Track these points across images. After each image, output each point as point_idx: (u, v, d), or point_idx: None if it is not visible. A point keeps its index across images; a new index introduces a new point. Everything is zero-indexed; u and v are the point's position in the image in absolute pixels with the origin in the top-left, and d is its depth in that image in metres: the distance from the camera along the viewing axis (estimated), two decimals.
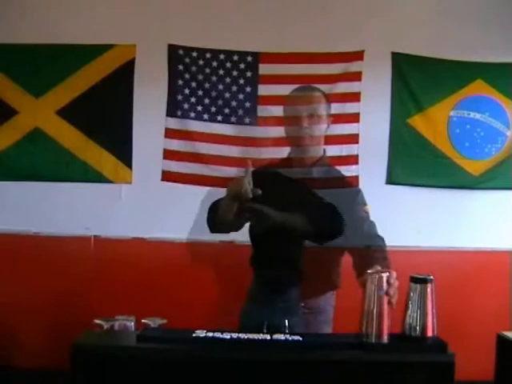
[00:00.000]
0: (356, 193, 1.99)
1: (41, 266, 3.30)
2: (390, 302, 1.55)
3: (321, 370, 1.51)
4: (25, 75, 3.40)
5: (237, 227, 1.99)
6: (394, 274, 1.60)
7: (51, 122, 3.41)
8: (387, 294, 1.54)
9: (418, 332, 1.58)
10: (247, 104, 3.46)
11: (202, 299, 3.20)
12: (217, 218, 1.89)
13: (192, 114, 3.46)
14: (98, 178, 3.43)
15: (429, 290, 1.59)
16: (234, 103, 3.47)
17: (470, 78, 3.50)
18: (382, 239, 1.89)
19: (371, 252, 1.81)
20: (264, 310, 1.96)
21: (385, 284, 1.55)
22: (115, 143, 3.45)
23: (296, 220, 1.78)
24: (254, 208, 1.67)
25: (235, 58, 3.46)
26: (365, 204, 1.97)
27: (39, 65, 3.40)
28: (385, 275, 1.57)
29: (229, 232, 2.04)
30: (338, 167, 3.43)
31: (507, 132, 3.54)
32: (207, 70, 3.46)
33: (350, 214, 1.83)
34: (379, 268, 1.64)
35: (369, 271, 1.59)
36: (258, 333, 1.60)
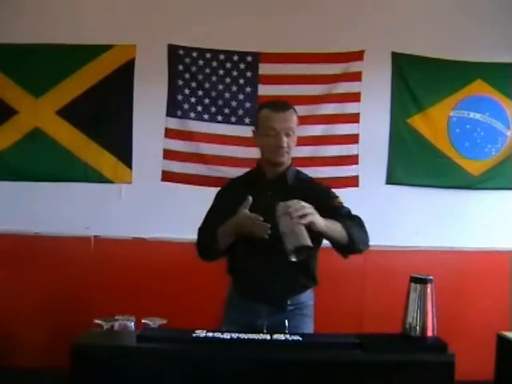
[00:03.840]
0: (327, 189, 2.12)
1: (41, 266, 3.30)
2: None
3: (320, 369, 1.51)
4: (25, 75, 3.40)
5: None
6: (302, 203, 1.75)
7: (51, 122, 3.41)
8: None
9: (418, 332, 1.57)
10: (247, 104, 3.47)
11: (202, 299, 3.20)
12: (215, 246, 2.05)
13: (192, 114, 3.46)
14: (98, 178, 3.43)
15: (429, 290, 1.59)
16: (233, 103, 3.47)
17: (470, 78, 3.51)
18: (358, 217, 2.00)
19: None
20: (250, 311, 2.02)
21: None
22: (115, 143, 3.45)
23: (336, 228, 1.87)
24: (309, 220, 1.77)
25: (235, 58, 3.47)
26: (337, 197, 2.08)
27: (39, 65, 3.41)
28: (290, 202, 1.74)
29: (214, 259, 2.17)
30: (338, 167, 3.49)
31: (507, 132, 3.54)
32: (207, 70, 3.46)
33: (325, 207, 1.91)
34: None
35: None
36: (252, 332, 1.62)
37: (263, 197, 1.99)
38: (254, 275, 2.05)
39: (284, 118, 2.03)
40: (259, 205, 1.94)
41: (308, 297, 2.12)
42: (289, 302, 2.04)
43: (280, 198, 1.84)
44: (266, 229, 1.86)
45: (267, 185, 2.09)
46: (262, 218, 1.88)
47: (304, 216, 1.73)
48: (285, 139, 2.02)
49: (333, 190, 2.12)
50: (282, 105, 2.09)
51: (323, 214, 1.83)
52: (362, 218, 2.00)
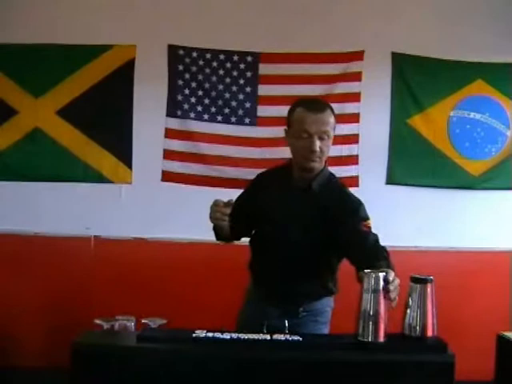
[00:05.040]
0: (357, 207, 1.92)
1: (41, 266, 3.30)
2: (389, 300, 1.53)
3: (320, 369, 1.51)
4: (25, 75, 3.40)
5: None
6: (392, 273, 1.57)
7: (51, 122, 3.41)
8: (387, 291, 1.52)
9: (418, 332, 1.57)
10: (247, 104, 3.46)
11: (202, 299, 3.20)
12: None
13: (192, 114, 3.46)
14: (98, 178, 3.43)
15: (429, 290, 1.58)
16: (233, 103, 3.47)
17: (470, 78, 3.51)
18: (386, 249, 1.85)
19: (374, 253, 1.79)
20: (262, 312, 1.97)
21: (381, 283, 1.53)
22: (115, 143, 3.45)
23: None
24: None
25: (235, 58, 3.47)
26: (367, 218, 1.90)
27: (39, 65, 3.41)
28: (381, 274, 1.55)
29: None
30: (337, 167, 3.48)
31: (507, 132, 3.54)
32: (207, 70, 3.46)
33: (351, 228, 1.80)
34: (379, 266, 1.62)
35: (365, 270, 1.57)
36: (257, 332, 1.60)
37: (287, 200, 1.92)
38: (267, 279, 2.01)
39: (319, 120, 1.85)
40: (282, 207, 1.89)
41: (324, 303, 2.05)
42: (301, 309, 1.98)
43: (304, 206, 1.78)
44: (216, 215, 1.77)
45: (293, 189, 1.96)
46: (226, 201, 1.78)
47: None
48: (318, 143, 1.84)
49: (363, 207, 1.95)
50: (318, 105, 1.91)
51: (345, 235, 1.73)
52: None
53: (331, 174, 2.00)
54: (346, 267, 1.90)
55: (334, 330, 2.04)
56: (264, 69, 3.46)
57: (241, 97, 3.47)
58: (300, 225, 1.92)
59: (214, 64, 3.46)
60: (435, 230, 3.46)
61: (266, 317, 1.93)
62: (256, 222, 2.06)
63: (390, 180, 3.51)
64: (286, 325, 1.90)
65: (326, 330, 2.06)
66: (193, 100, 3.46)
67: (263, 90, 3.45)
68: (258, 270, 2.07)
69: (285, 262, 1.92)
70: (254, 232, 2.11)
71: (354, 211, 1.89)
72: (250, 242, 2.12)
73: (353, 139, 3.47)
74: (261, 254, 2.05)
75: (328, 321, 2.07)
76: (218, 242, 2.10)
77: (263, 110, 3.44)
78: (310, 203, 1.84)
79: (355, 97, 3.47)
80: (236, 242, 2.19)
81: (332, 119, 1.89)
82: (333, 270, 2.03)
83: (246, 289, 2.15)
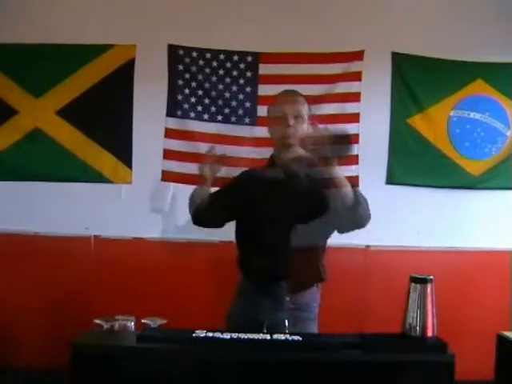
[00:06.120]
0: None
1: (41, 266, 3.30)
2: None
3: (321, 369, 1.52)
4: (25, 75, 3.40)
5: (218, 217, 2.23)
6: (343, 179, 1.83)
7: (51, 122, 3.41)
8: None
9: (418, 332, 1.58)
10: (247, 104, 3.46)
11: (202, 299, 3.20)
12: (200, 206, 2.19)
13: (192, 114, 3.46)
14: (98, 177, 3.43)
15: (429, 289, 1.59)
16: (234, 103, 3.47)
17: (470, 78, 3.50)
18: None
19: None
20: (254, 306, 2.03)
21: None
22: (115, 143, 3.45)
23: (347, 187, 1.90)
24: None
25: (235, 58, 3.46)
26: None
27: (39, 65, 3.41)
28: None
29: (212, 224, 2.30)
30: (337, 167, 3.48)
31: (507, 132, 3.54)
32: (207, 70, 3.46)
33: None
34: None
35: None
36: (249, 326, 1.62)
37: (270, 190, 2.04)
38: (256, 270, 2.08)
39: (292, 101, 2.11)
40: (264, 192, 2.03)
41: (312, 298, 2.11)
42: (288, 299, 2.03)
43: (287, 192, 1.90)
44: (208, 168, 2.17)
45: (276, 177, 2.12)
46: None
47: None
48: (292, 120, 2.07)
49: None
50: (291, 91, 2.19)
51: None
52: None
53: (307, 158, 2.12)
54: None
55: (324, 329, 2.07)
56: (264, 69, 3.46)
57: (241, 97, 3.47)
58: (285, 212, 2.03)
59: (214, 64, 3.46)
60: (435, 230, 3.46)
61: (256, 311, 1.99)
62: (240, 214, 2.19)
63: (390, 180, 3.51)
64: (286, 324, 1.90)
65: (315, 326, 2.11)
66: (193, 100, 3.46)
67: (263, 89, 3.45)
68: (246, 261, 2.15)
69: (273, 248, 2.00)
70: (238, 225, 2.23)
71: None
72: (237, 236, 2.22)
73: (353, 139, 3.47)
74: (248, 245, 2.14)
75: (316, 317, 2.12)
76: (196, 225, 2.27)
77: (263, 110, 3.42)
78: (292, 188, 1.97)
79: (355, 97, 3.47)
80: (235, 242, 2.20)
81: (306, 106, 2.14)
82: (319, 254, 2.13)
83: (224, 298, 2.22)
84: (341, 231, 2.04)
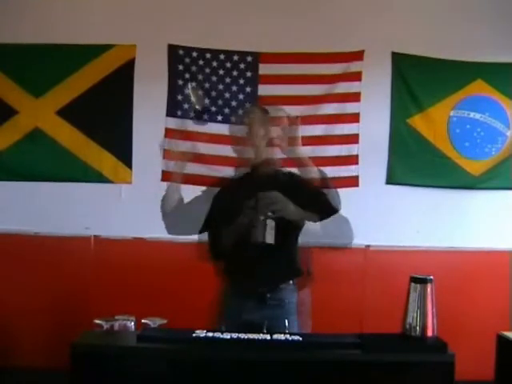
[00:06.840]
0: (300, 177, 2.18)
1: (41, 266, 3.30)
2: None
3: (321, 369, 1.52)
4: (25, 75, 3.40)
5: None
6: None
7: (51, 122, 3.41)
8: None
9: (418, 332, 1.58)
10: (247, 104, 3.46)
11: (202, 299, 3.19)
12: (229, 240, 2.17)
13: (192, 114, 3.46)
14: (98, 177, 3.43)
15: (429, 289, 1.59)
16: (233, 103, 3.47)
17: (470, 78, 3.51)
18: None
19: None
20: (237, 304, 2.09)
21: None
22: (115, 143, 3.45)
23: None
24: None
25: (235, 58, 3.46)
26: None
27: (39, 65, 3.41)
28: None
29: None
30: (337, 167, 3.48)
31: (507, 132, 3.54)
32: (207, 70, 3.46)
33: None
34: None
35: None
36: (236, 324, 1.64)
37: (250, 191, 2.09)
38: (239, 263, 2.14)
39: (255, 117, 2.20)
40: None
41: (290, 295, 2.15)
42: (268, 296, 2.07)
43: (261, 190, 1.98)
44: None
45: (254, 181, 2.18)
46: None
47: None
48: (257, 134, 2.15)
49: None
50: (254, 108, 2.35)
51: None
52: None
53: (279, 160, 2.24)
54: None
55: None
56: (264, 69, 3.46)
57: (241, 97, 3.47)
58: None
59: (214, 64, 3.46)
60: (435, 230, 3.46)
61: (240, 309, 2.05)
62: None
63: (390, 180, 3.51)
64: (286, 324, 1.90)
65: (295, 324, 2.13)
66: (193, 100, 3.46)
67: (263, 90, 3.45)
68: (231, 267, 2.22)
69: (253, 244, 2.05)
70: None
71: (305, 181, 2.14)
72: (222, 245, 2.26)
73: (353, 139, 3.47)
74: (235, 253, 2.16)
75: (295, 313, 2.16)
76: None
77: None
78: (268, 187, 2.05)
79: (355, 97, 3.47)
80: None
81: (266, 117, 2.22)
82: (294, 249, 2.18)
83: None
84: (312, 219, 2.08)
